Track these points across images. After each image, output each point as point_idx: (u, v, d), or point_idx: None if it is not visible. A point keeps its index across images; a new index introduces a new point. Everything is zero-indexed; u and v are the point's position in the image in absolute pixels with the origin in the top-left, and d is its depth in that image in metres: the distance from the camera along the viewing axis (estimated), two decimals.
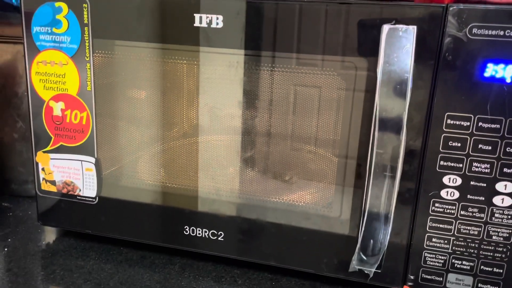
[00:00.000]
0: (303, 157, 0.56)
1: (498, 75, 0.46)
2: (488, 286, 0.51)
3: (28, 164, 0.77)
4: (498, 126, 0.47)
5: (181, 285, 0.57)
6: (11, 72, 0.74)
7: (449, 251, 0.52)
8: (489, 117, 0.47)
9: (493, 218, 0.49)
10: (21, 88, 0.74)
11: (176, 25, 0.54)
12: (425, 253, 0.52)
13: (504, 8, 0.44)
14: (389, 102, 0.48)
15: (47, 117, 0.61)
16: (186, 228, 0.60)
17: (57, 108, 0.61)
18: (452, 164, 0.49)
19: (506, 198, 0.49)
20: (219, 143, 0.58)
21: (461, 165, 0.49)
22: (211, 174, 0.59)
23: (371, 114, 0.50)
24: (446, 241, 0.51)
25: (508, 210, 0.49)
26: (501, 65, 0.45)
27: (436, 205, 0.51)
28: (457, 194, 0.50)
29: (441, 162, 0.49)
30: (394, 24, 0.47)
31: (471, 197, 0.49)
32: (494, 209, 0.49)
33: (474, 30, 0.45)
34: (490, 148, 0.48)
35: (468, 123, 0.48)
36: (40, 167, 0.64)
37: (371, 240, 0.53)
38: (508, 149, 0.47)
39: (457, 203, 0.50)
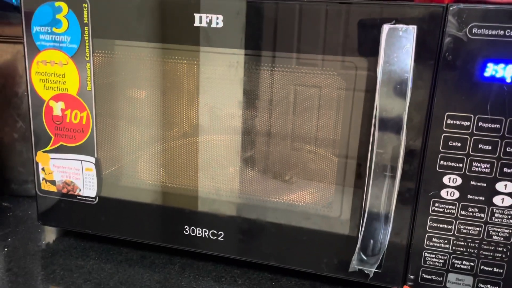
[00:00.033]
0: (303, 157, 0.56)
1: (498, 75, 0.46)
2: (488, 286, 0.51)
3: (28, 164, 0.77)
4: (498, 126, 0.47)
5: (181, 285, 0.57)
6: (11, 72, 0.74)
7: (449, 251, 0.52)
8: (489, 117, 0.47)
9: (493, 218, 0.49)
10: (21, 88, 0.74)
11: (176, 25, 0.54)
12: (425, 253, 0.52)
13: (504, 8, 0.44)
14: (389, 102, 0.48)
15: (47, 117, 0.61)
16: (186, 228, 0.60)
17: (57, 108, 0.61)
18: (452, 164, 0.49)
19: (506, 198, 0.49)
20: (219, 143, 0.58)
21: (461, 165, 0.49)
22: (211, 174, 0.59)
23: (371, 114, 0.50)
24: (446, 241, 0.51)
25: (508, 210, 0.49)
26: (501, 65, 0.45)
27: (436, 205, 0.51)
28: (457, 194, 0.50)
29: (441, 162, 0.49)
30: (394, 24, 0.47)
31: (471, 197, 0.49)
32: (494, 209, 0.49)
33: (474, 30, 0.45)
34: (490, 148, 0.48)
35: (468, 123, 0.48)
36: (40, 167, 0.64)
37: (371, 240, 0.53)
38: (508, 149, 0.47)
39: (457, 203, 0.50)
